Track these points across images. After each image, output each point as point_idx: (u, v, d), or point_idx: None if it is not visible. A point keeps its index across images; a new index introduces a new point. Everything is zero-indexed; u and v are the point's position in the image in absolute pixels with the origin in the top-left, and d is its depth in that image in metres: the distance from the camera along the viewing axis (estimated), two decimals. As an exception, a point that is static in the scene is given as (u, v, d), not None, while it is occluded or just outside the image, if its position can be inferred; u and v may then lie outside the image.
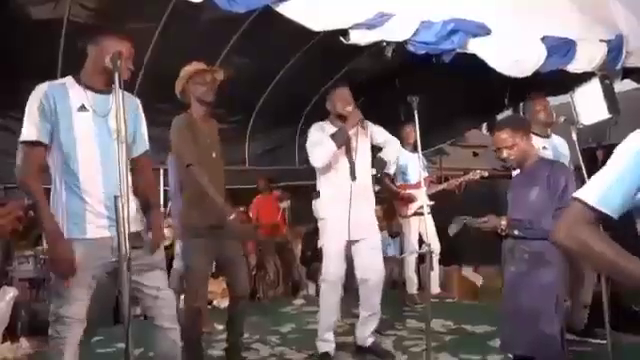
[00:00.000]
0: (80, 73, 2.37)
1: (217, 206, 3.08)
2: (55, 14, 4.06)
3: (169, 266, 4.34)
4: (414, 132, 3.59)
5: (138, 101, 2.54)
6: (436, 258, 5.34)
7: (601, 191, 1.23)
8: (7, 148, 4.72)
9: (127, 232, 1.80)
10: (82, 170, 2.28)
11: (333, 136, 3.50)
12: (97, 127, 2.30)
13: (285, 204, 6.76)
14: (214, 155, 3.30)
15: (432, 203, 5.14)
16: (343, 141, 3.52)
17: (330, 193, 3.61)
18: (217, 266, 3.52)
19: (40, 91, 2.27)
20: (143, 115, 2.55)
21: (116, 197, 1.84)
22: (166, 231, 5.10)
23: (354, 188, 3.52)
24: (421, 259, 5.36)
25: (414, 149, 4.95)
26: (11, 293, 4.04)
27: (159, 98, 4.26)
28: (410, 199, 5.36)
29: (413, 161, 5.24)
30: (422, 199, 4.00)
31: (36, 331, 4.15)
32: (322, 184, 3.69)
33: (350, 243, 3.60)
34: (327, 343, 3.63)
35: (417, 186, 5.11)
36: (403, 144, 5.42)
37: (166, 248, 4.96)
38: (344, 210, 3.47)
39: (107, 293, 2.47)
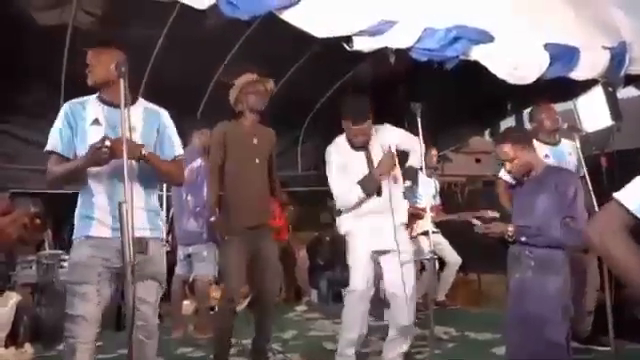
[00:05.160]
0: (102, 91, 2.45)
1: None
2: (60, 20, 4.10)
3: (171, 272, 4.36)
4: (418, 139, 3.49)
5: (163, 111, 2.59)
6: (455, 269, 5.33)
7: None
8: (9, 152, 4.72)
9: (131, 238, 1.81)
10: (92, 178, 2.34)
11: (362, 183, 3.24)
12: None
13: (288, 210, 6.75)
14: (257, 161, 3.42)
15: (437, 231, 4.99)
16: (374, 189, 3.25)
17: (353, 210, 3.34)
18: (249, 266, 3.39)
19: (63, 109, 2.40)
20: (171, 123, 2.59)
21: (120, 203, 1.85)
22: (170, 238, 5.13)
23: (379, 201, 3.29)
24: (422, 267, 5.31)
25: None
26: (14, 298, 4.03)
27: (163, 104, 4.25)
28: (414, 219, 4.86)
29: (424, 182, 4.51)
30: (427, 224, 3.76)
31: (39, 336, 4.14)
32: None
33: (377, 254, 3.35)
34: (346, 359, 3.31)
35: (423, 211, 4.70)
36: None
37: (167, 254, 5.01)
38: (368, 221, 3.28)
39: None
